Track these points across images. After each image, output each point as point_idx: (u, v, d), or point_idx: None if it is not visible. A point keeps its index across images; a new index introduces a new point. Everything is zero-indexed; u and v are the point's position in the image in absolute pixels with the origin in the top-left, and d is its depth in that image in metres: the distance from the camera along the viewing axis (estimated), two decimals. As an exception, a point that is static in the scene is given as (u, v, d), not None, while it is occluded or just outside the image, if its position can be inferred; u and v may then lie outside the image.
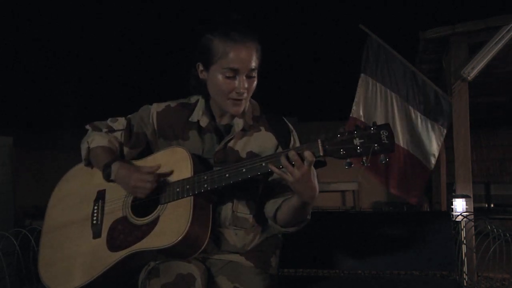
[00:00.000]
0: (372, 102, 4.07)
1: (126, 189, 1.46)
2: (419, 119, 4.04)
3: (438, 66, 4.79)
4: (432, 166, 4.06)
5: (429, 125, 4.03)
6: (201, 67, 1.47)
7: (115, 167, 1.46)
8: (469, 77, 3.87)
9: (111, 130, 1.59)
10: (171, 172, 1.45)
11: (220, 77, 1.41)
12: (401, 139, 4.02)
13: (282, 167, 1.29)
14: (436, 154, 4.03)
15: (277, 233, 1.60)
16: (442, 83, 4.75)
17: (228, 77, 1.40)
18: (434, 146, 4.01)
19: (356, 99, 4.04)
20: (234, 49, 1.38)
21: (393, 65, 4.08)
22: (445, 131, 4.01)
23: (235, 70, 1.39)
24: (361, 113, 4.03)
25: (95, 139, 1.55)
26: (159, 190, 1.44)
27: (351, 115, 4.04)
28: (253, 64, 1.41)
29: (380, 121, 3.99)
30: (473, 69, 3.83)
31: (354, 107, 4.04)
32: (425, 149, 4.03)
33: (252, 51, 1.40)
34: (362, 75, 4.08)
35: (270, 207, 1.48)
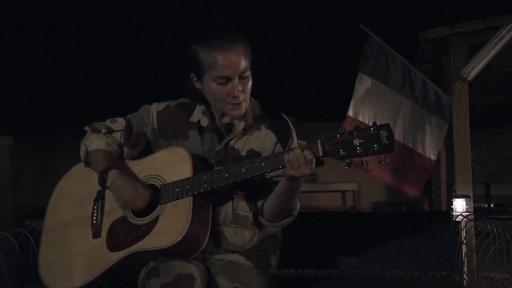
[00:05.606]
0: (370, 100, 4.04)
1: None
2: (419, 114, 4.02)
3: (438, 66, 4.78)
4: (435, 157, 4.05)
5: (432, 119, 4.02)
6: (195, 78, 1.47)
7: (111, 175, 1.44)
8: (469, 77, 3.86)
9: (110, 131, 1.58)
10: (170, 172, 1.45)
11: (213, 85, 1.41)
12: (402, 136, 4.01)
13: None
14: (438, 147, 4.03)
15: (273, 231, 1.60)
16: (442, 83, 4.75)
17: (221, 84, 1.40)
18: (435, 139, 4.01)
19: (353, 98, 4.01)
20: (220, 57, 1.36)
21: (393, 65, 4.07)
22: (447, 126, 4.00)
23: (226, 77, 1.39)
24: (358, 112, 4.00)
25: (93, 142, 1.54)
26: (159, 190, 1.44)
27: (347, 114, 4.01)
28: (243, 65, 1.39)
29: (379, 118, 3.98)
30: (473, 69, 3.83)
31: (351, 106, 4.01)
32: (427, 142, 4.01)
33: (239, 53, 1.38)
34: (359, 73, 4.05)
35: (258, 201, 1.51)
